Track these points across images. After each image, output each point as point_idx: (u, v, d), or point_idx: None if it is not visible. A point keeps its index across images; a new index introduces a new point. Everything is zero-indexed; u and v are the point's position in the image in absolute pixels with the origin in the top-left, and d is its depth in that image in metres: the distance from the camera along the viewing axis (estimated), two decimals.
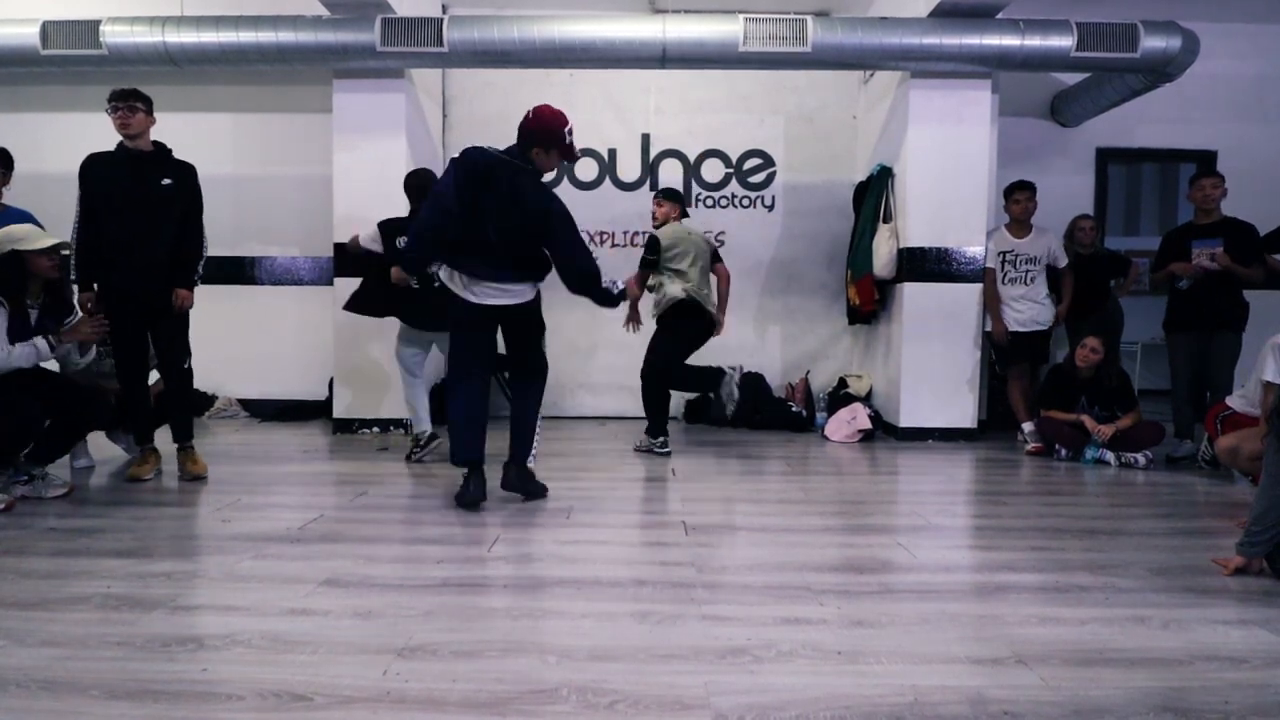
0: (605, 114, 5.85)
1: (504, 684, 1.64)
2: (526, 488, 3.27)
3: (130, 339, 3.63)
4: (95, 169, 3.52)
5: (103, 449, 4.09)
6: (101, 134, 5.34)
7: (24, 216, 3.71)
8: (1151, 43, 4.57)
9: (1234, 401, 3.57)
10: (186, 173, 3.66)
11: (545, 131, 3.05)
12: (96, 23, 4.68)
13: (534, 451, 3.39)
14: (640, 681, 1.66)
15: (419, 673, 1.69)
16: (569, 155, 3.16)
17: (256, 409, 5.88)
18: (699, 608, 2.08)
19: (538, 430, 3.41)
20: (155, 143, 3.63)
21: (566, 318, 5.28)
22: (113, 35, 4.67)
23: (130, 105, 3.47)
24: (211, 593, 2.20)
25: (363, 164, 5.11)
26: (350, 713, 1.52)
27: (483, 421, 3.21)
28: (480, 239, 3.00)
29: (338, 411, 5.23)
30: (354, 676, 1.66)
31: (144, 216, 3.51)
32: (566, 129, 3.08)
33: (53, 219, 4.15)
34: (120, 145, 3.55)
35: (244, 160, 5.69)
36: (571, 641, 1.86)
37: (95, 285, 3.53)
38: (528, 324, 3.27)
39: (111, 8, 4.78)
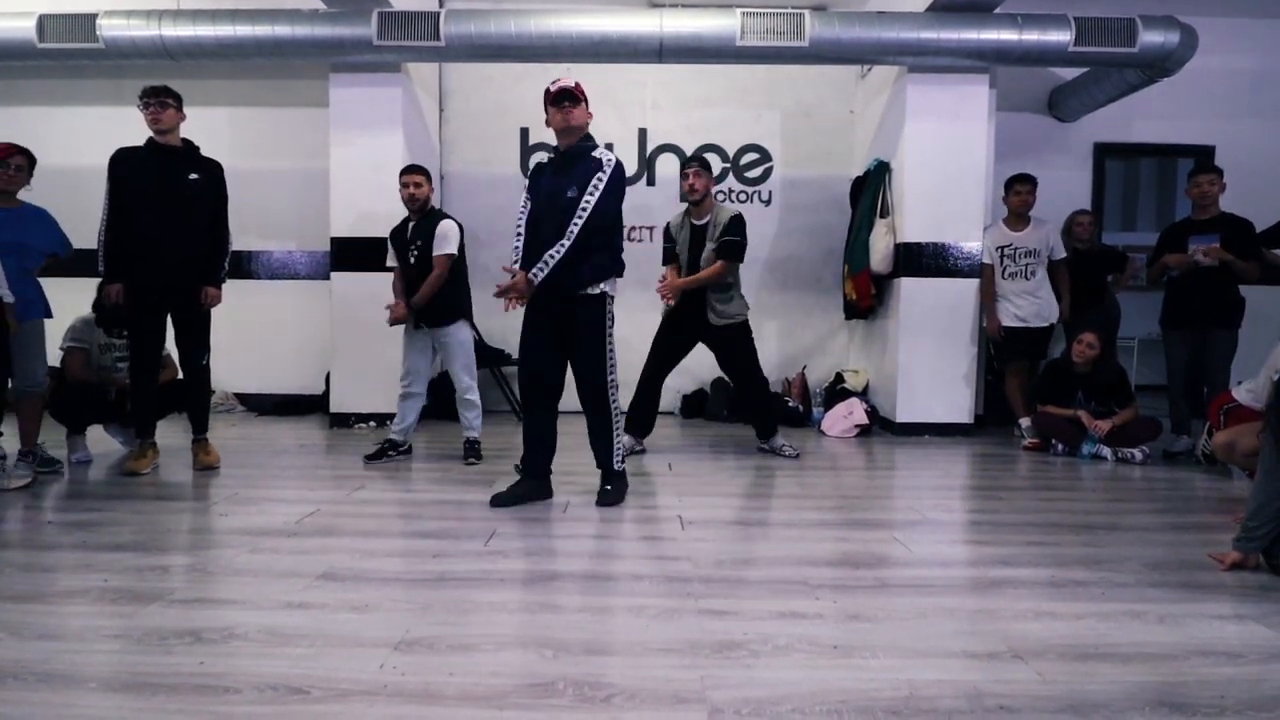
0: (602, 108, 5.77)
1: (500, 678, 1.64)
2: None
3: (150, 332, 3.67)
4: (124, 163, 3.56)
5: (100, 443, 4.09)
6: (99, 127, 5.33)
7: (39, 215, 3.70)
8: (1149, 38, 4.57)
9: (1240, 395, 3.56)
10: (213, 169, 3.72)
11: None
12: (93, 16, 4.67)
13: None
14: (637, 675, 1.66)
15: (416, 666, 1.69)
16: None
17: (253, 403, 5.88)
18: (695, 602, 2.08)
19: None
20: (184, 139, 3.67)
21: None
22: (109, 29, 4.66)
23: (161, 101, 3.52)
24: (209, 586, 2.20)
25: (359, 158, 5.10)
26: (347, 705, 1.52)
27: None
28: None
29: (334, 406, 5.23)
30: (351, 669, 1.66)
31: (172, 211, 3.56)
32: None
33: (51, 211, 4.12)
34: (149, 140, 3.60)
35: (240, 154, 5.66)
36: (568, 635, 1.86)
37: (116, 278, 3.57)
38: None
39: (108, 1, 4.77)
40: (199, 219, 3.64)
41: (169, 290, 3.62)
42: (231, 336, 5.54)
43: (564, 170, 3.10)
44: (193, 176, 3.61)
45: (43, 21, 4.69)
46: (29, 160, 3.60)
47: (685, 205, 4.30)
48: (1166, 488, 3.70)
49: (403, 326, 4.03)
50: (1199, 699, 1.58)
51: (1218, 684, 1.65)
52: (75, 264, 3.87)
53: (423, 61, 5.19)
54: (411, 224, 4.01)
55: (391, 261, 4.10)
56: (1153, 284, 4.75)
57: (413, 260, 3.96)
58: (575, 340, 3.14)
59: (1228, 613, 2.07)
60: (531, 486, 3.21)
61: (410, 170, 4.01)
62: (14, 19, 4.72)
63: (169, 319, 3.72)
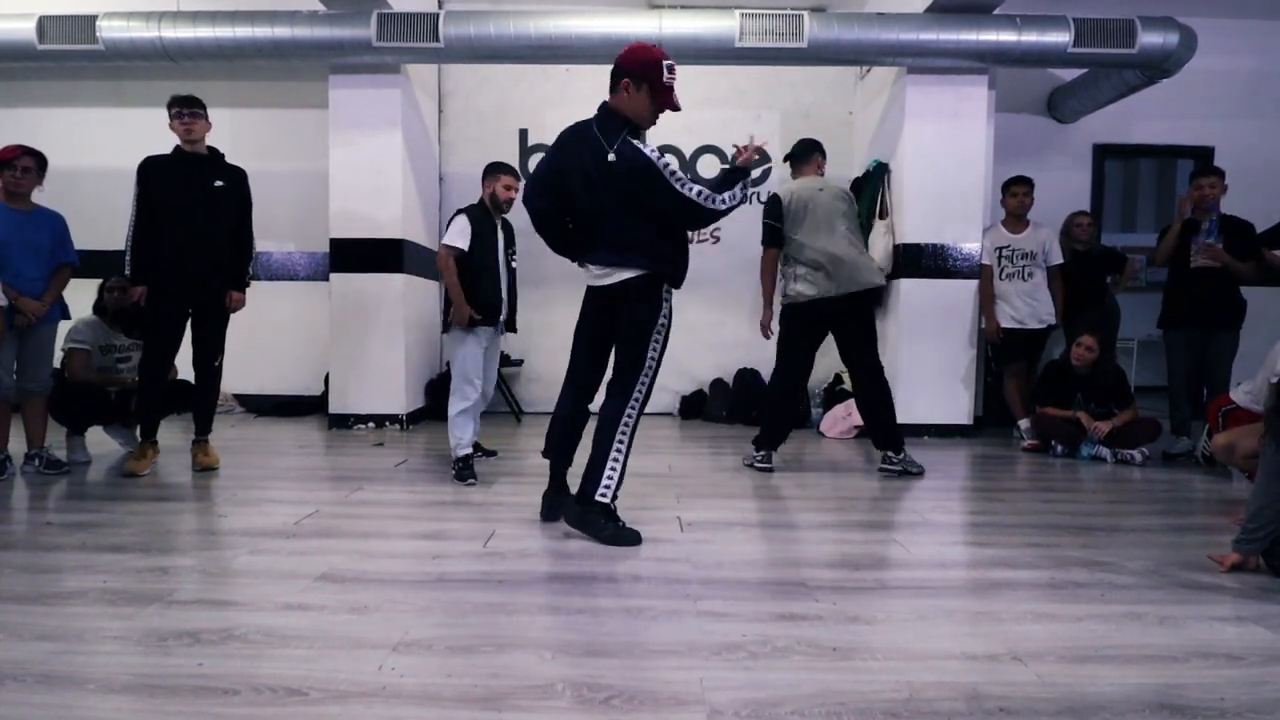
0: None
1: (499, 679, 1.64)
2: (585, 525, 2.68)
3: (169, 335, 3.70)
4: (153, 171, 3.61)
5: (100, 444, 4.09)
6: (99, 128, 5.31)
7: (55, 218, 3.70)
8: (1149, 38, 4.58)
9: (1238, 397, 3.56)
10: (239, 176, 3.79)
11: (636, 63, 2.75)
12: (93, 18, 4.68)
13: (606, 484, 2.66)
14: (636, 677, 1.65)
15: (414, 668, 1.68)
16: (666, 99, 2.73)
17: (252, 404, 5.88)
18: (694, 604, 2.08)
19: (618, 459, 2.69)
20: (209, 147, 3.72)
21: (563, 313, 5.27)
22: (109, 30, 4.67)
23: (194, 111, 3.60)
24: (208, 588, 2.20)
25: (358, 159, 5.11)
26: (346, 707, 1.52)
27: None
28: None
29: (333, 407, 5.23)
30: (349, 671, 1.66)
31: (200, 217, 3.61)
32: (663, 61, 2.70)
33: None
34: (177, 148, 3.66)
35: (240, 156, 5.55)
36: (567, 637, 1.86)
37: (142, 281, 3.59)
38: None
39: (108, 2, 4.77)
40: (225, 225, 3.70)
41: (194, 294, 3.66)
42: (231, 337, 5.54)
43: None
44: (219, 183, 3.67)
45: (43, 23, 4.70)
46: (38, 161, 3.60)
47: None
48: (1166, 489, 3.70)
49: (460, 333, 3.64)
50: (1199, 701, 1.58)
51: (1218, 686, 1.65)
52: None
53: (422, 63, 5.20)
54: (498, 225, 3.78)
55: (457, 242, 3.60)
56: (1160, 265, 4.59)
57: (514, 265, 3.87)
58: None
59: (1228, 615, 2.07)
60: (563, 485, 2.91)
61: (510, 171, 3.78)
62: (14, 20, 4.73)
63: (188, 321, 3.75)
